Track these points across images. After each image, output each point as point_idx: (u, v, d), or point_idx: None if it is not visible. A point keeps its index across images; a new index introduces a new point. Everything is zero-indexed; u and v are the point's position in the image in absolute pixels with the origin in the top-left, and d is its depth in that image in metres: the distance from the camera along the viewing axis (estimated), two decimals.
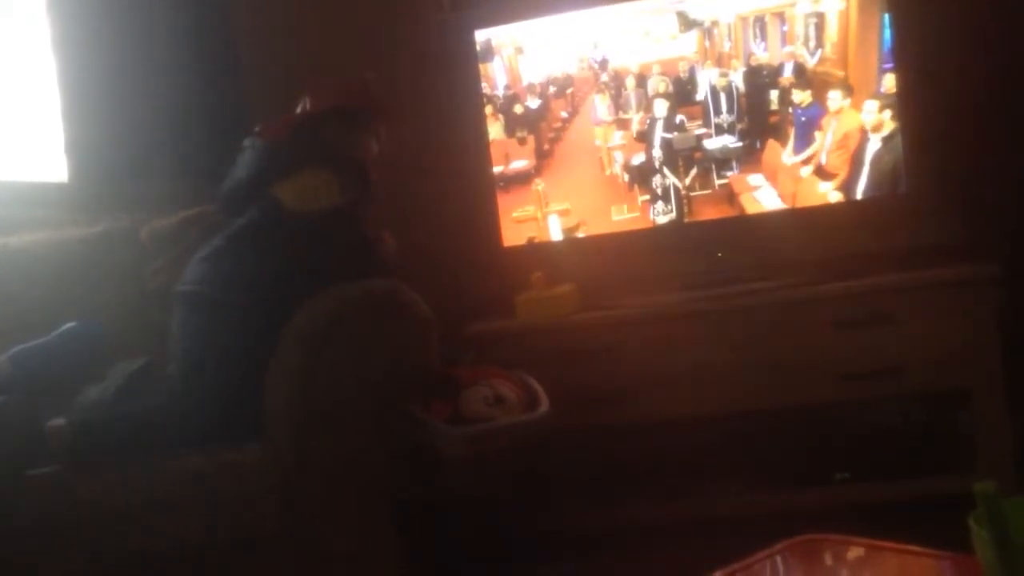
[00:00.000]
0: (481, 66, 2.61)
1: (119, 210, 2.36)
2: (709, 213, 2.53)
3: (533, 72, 2.62)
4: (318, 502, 1.75)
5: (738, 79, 2.47)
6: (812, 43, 2.41)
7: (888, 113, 2.36)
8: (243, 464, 1.70)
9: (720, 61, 2.49)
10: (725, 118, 2.49)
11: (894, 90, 2.36)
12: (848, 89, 2.38)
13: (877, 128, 2.37)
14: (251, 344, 1.81)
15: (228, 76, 2.87)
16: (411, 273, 1.99)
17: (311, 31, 2.93)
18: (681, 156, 2.53)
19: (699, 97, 2.50)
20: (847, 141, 2.40)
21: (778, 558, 1.07)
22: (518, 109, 2.63)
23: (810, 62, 2.42)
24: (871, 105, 2.37)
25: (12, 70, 2.55)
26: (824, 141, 2.41)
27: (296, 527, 1.71)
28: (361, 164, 2.13)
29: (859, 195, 2.41)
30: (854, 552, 1.10)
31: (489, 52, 2.62)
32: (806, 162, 2.44)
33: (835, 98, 2.39)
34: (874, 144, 2.38)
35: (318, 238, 1.96)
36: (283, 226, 1.97)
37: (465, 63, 2.63)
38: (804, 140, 2.43)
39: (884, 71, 2.37)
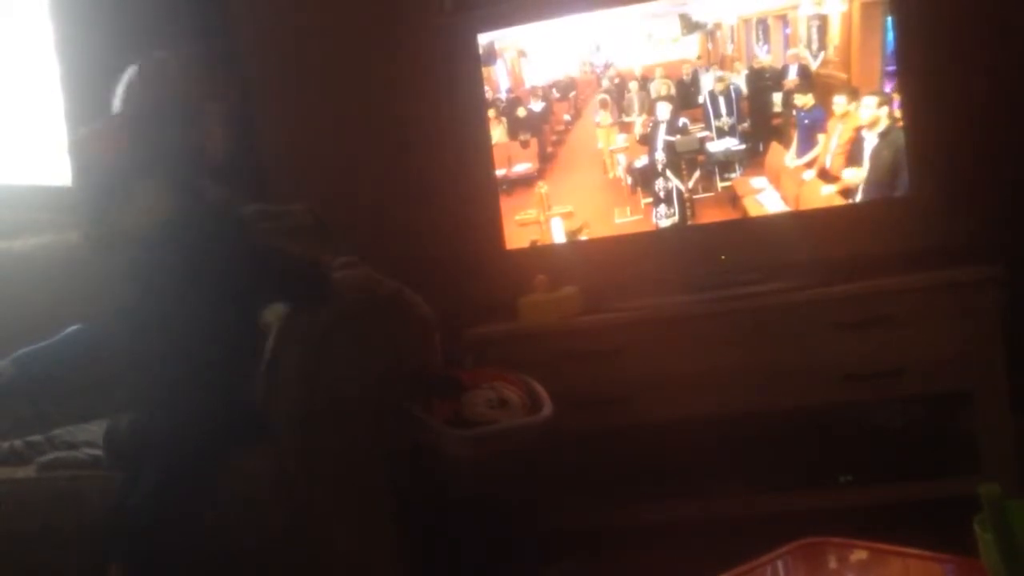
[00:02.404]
0: (484, 69, 2.62)
1: None
2: (712, 216, 2.53)
3: (536, 75, 2.62)
4: (321, 502, 1.75)
5: (740, 82, 2.48)
6: (815, 45, 2.41)
7: (885, 110, 2.36)
8: (246, 466, 1.70)
9: (723, 64, 2.49)
10: (726, 121, 2.50)
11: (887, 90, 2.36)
12: (854, 93, 2.38)
13: (873, 124, 2.38)
14: (197, 394, 1.72)
15: (231, 80, 2.87)
16: (415, 275, 1.99)
17: (314, 35, 2.94)
18: (684, 159, 2.53)
19: (702, 100, 2.51)
20: (851, 144, 2.40)
21: (780, 561, 1.07)
22: (521, 112, 2.64)
23: (813, 64, 2.42)
24: (870, 100, 2.37)
25: (15, 73, 2.56)
26: (829, 144, 2.42)
27: (300, 528, 1.71)
28: (201, 153, 1.95)
29: (861, 193, 2.41)
30: (858, 555, 1.10)
31: (492, 55, 2.62)
32: (809, 165, 2.44)
33: (841, 102, 2.39)
34: (871, 141, 2.38)
35: (177, 251, 1.79)
36: (145, 257, 1.81)
37: (468, 66, 2.63)
38: (807, 143, 2.43)
39: (887, 73, 2.37)
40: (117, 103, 1.95)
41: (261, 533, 1.69)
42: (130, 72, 1.95)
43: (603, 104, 2.57)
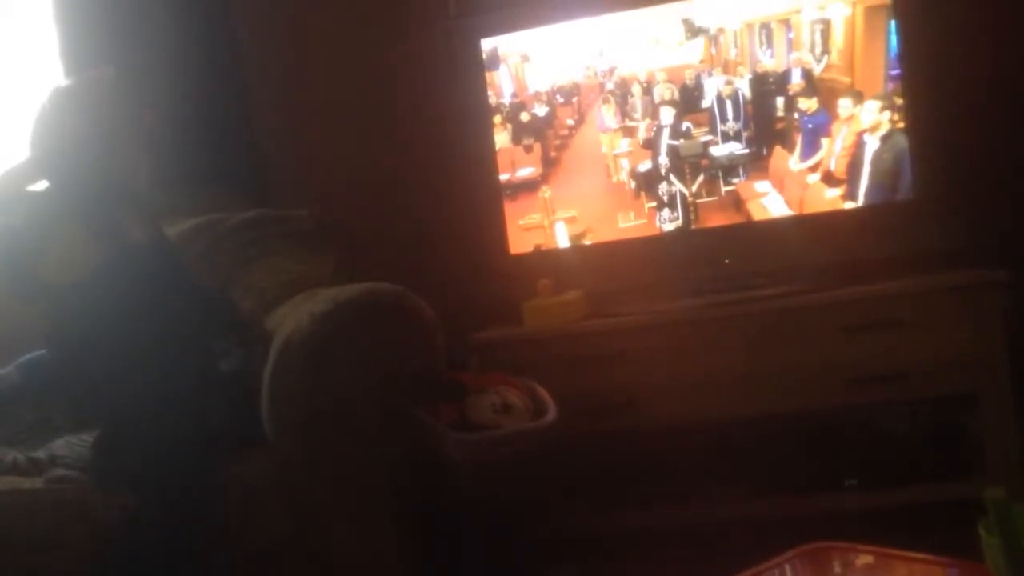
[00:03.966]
0: (487, 74, 2.62)
1: None
2: (716, 220, 2.53)
3: (539, 80, 2.63)
4: (324, 505, 1.75)
5: (744, 86, 2.48)
6: (818, 50, 2.41)
7: (887, 114, 2.36)
8: (248, 469, 1.71)
9: (726, 68, 2.49)
10: (731, 125, 2.50)
11: (890, 93, 2.36)
12: (859, 96, 2.38)
13: (875, 128, 2.38)
14: (173, 422, 1.67)
15: (233, 87, 2.88)
16: (418, 279, 1.99)
17: (316, 41, 2.94)
18: (688, 163, 2.53)
19: (705, 104, 2.51)
20: (854, 147, 2.40)
21: (787, 566, 1.07)
22: (524, 117, 2.64)
23: (816, 69, 2.42)
24: (872, 105, 2.37)
25: (20, 77, 2.57)
26: (833, 147, 2.42)
27: (303, 532, 1.72)
28: (120, 188, 1.86)
29: (862, 197, 2.41)
30: (863, 560, 1.10)
31: (495, 60, 2.62)
32: (813, 169, 2.44)
33: (846, 106, 2.39)
34: (872, 144, 2.38)
35: (106, 300, 1.74)
36: (73, 310, 1.76)
37: (471, 71, 2.64)
38: (811, 147, 2.43)
39: (891, 77, 2.37)
40: (29, 143, 1.86)
41: (264, 535, 1.69)
42: (40, 106, 1.85)
43: (605, 100, 2.57)
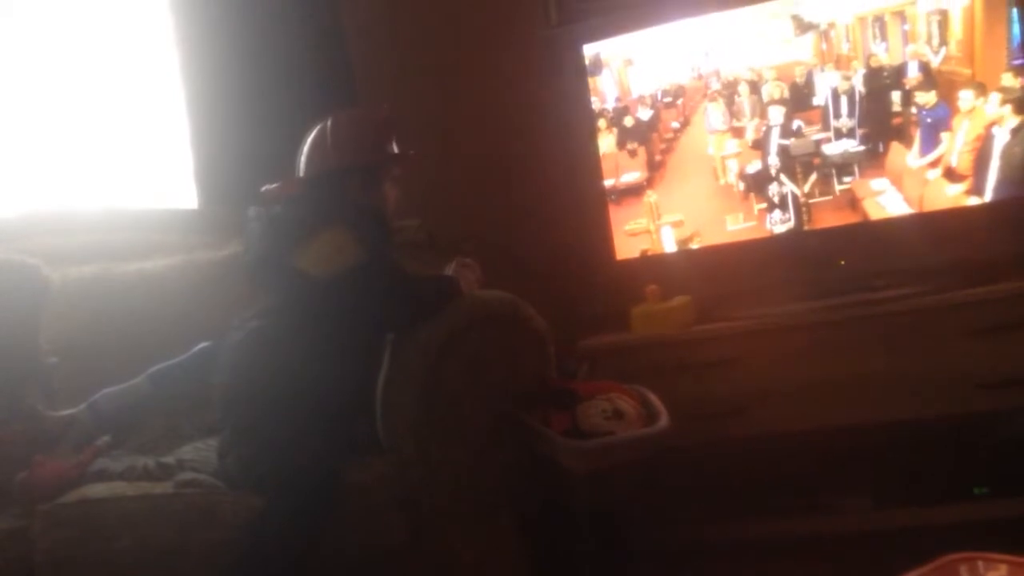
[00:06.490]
0: (591, 80, 2.61)
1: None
2: (830, 220, 2.45)
3: (643, 84, 2.60)
4: (442, 513, 1.77)
5: (858, 81, 2.40)
6: (936, 41, 2.32)
7: (1009, 108, 2.25)
8: (370, 477, 1.74)
9: (839, 63, 2.42)
10: (845, 122, 2.42)
11: (1018, 84, 2.25)
12: (980, 88, 2.28)
13: (999, 122, 2.27)
14: (317, 426, 1.75)
15: (340, 97, 2.95)
16: (525, 288, 2.00)
17: (420, 48, 2.99)
18: (799, 162, 2.47)
19: (817, 101, 2.44)
20: (979, 141, 2.30)
21: None
22: (628, 122, 2.62)
23: (934, 61, 2.33)
24: (993, 98, 2.27)
25: (142, 100, 2.68)
26: (954, 142, 2.32)
27: (423, 538, 1.73)
28: (377, 211, 2.03)
29: (990, 193, 2.30)
30: (1012, 572, 1.04)
31: (598, 66, 2.61)
32: (933, 164, 2.35)
33: (967, 98, 2.29)
34: (1002, 137, 2.27)
35: (349, 298, 1.85)
36: (312, 297, 1.88)
37: (574, 78, 2.63)
38: (930, 142, 2.34)
39: (1013, 67, 2.26)
40: (302, 160, 2.06)
41: (381, 539, 1.71)
42: (316, 131, 2.06)
43: (712, 99, 2.52)
